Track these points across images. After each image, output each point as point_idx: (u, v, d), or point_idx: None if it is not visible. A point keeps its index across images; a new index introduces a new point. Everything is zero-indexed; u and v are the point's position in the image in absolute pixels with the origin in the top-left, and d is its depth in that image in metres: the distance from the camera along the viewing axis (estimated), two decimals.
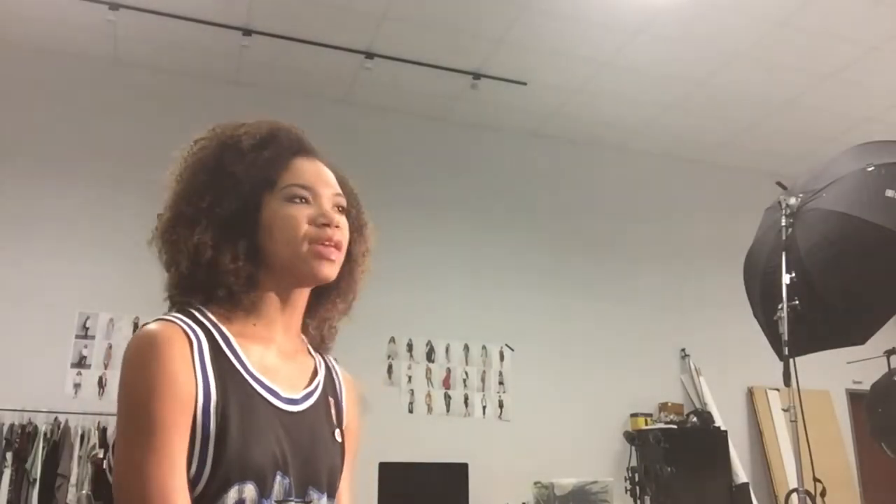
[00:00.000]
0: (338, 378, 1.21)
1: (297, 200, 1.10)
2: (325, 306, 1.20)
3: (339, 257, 1.11)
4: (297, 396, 1.08)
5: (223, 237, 1.06)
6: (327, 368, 1.20)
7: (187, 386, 0.97)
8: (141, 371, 0.97)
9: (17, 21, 5.09)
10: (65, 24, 5.12)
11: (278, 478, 0.99)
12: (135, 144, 5.25)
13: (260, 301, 1.10)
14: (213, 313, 1.07)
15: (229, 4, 4.97)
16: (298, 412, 1.07)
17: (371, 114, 6.02)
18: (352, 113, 5.96)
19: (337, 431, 1.14)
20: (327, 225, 1.09)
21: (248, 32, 5.17)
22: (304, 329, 1.20)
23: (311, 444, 1.07)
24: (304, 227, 1.08)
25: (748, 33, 5.12)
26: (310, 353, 1.19)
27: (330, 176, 1.16)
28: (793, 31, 5.06)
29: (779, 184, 3.11)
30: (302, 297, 1.14)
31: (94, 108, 5.38)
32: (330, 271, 1.10)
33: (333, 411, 1.15)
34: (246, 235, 1.08)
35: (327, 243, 1.08)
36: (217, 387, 0.99)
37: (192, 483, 0.95)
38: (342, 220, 1.13)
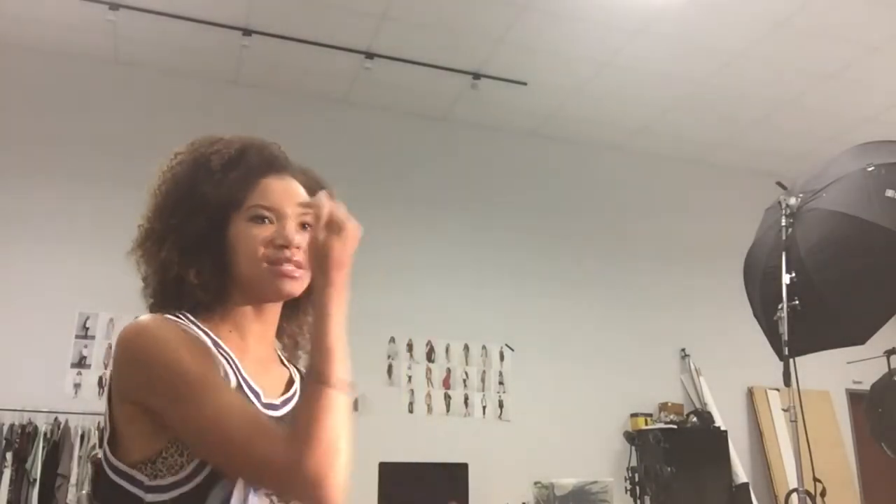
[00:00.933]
0: None
1: (260, 221, 1.11)
2: (298, 318, 1.23)
3: (302, 274, 1.12)
4: (277, 402, 1.11)
5: (188, 255, 1.09)
6: (301, 378, 1.22)
7: (212, 352, 1.03)
8: (161, 336, 1.00)
9: (17, 21, 5.09)
10: (65, 24, 5.12)
11: None
12: (135, 144, 5.24)
13: (233, 311, 1.13)
14: (196, 319, 1.10)
15: (229, 4, 4.97)
16: (277, 417, 1.09)
17: (371, 114, 6.02)
18: (352, 113, 5.96)
19: None
20: (285, 246, 1.10)
21: (248, 32, 5.17)
22: (280, 338, 1.23)
23: None
24: (262, 249, 1.10)
25: (748, 33, 5.12)
26: (283, 363, 1.22)
27: (299, 193, 1.16)
28: (793, 31, 5.06)
29: (779, 184, 3.11)
30: (273, 309, 1.17)
31: (94, 108, 5.38)
32: (292, 288, 1.12)
33: None
34: (211, 253, 1.10)
35: (286, 263, 1.10)
36: (233, 372, 1.04)
37: (196, 471, 0.97)
38: (303, 239, 1.11)
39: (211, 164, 1.13)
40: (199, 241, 1.10)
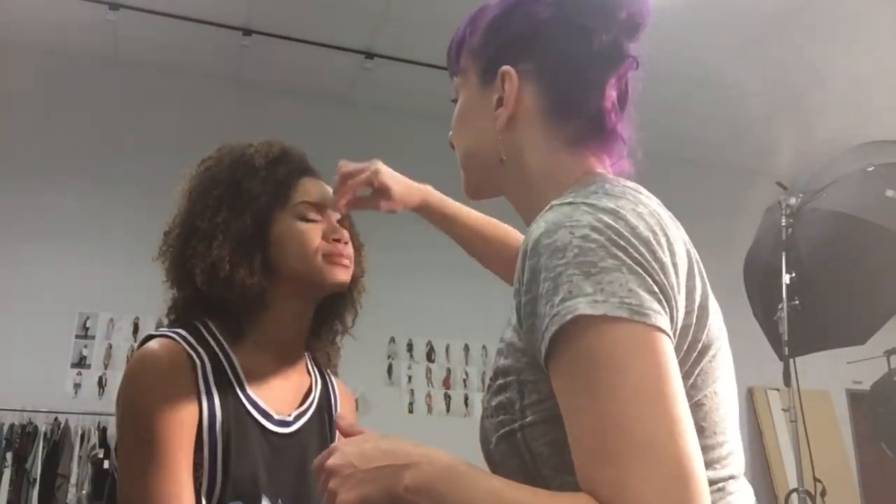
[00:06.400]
0: (334, 393, 1.22)
1: (309, 217, 1.13)
2: (327, 327, 1.23)
3: (351, 266, 1.15)
4: (290, 418, 1.10)
5: (239, 252, 1.08)
6: (324, 384, 1.22)
7: (188, 405, 1.00)
8: (142, 391, 1.00)
9: (17, 21, 5.09)
10: (65, 24, 5.12)
11: (265, 501, 1.01)
12: (134, 144, 5.25)
13: (266, 318, 1.12)
14: (218, 330, 1.08)
15: (229, 4, 4.97)
16: (289, 433, 1.09)
17: (371, 114, 6.02)
18: (352, 113, 5.96)
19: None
20: (338, 240, 1.13)
21: (248, 32, 5.17)
22: (311, 350, 1.22)
23: (301, 464, 1.08)
24: (318, 242, 1.11)
25: (748, 33, 5.12)
26: (308, 370, 1.21)
27: (332, 194, 1.19)
28: (793, 30, 5.06)
29: (779, 184, 3.11)
30: (306, 315, 1.16)
31: (94, 108, 5.38)
32: (344, 277, 1.13)
33: (328, 427, 1.17)
34: (260, 250, 1.10)
35: (341, 256, 1.13)
36: (221, 408, 1.02)
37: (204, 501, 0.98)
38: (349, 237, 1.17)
39: (254, 161, 1.14)
40: (247, 238, 1.09)
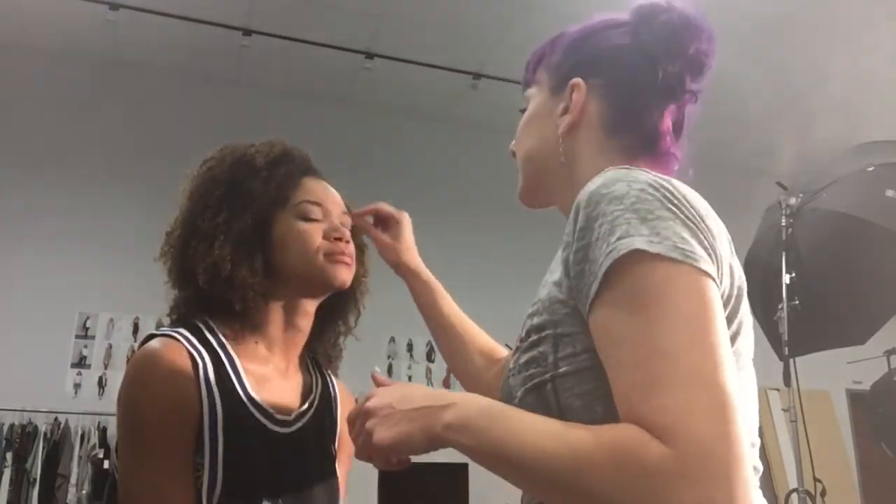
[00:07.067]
0: (334, 393, 1.22)
1: (310, 216, 1.13)
2: (329, 328, 1.23)
3: (353, 265, 1.15)
4: (290, 417, 1.10)
5: (240, 252, 1.08)
6: (325, 384, 1.22)
7: (189, 405, 0.99)
8: (143, 390, 1.00)
9: (16, 21, 5.09)
10: (65, 24, 5.12)
11: (265, 502, 1.01)
12: (135, 144, 5.25)
13: (267, 319, 1.12)
14: (219, 329, 1.08)
15: (229, 4, 4.97)
16: (290, 433, 1.09)
17: (371, 114, 6.02)
18: (352, 113, 5.96)
19: (333, 447, 1.16)
20: (339, 239, 1.13)
21: (248, 32, 5.17)
22: (313, 350, 1.22)
23: (303, 464, 1.09)
24: (319, 241, 1.11)
25: (748, 33, 5.12)
26: (309, 370, 1.21)
27: (337, 196, 1.20)
28: (793, 31, 5.06)
29: (779, 184, 3.11)
30: (307, 316, 1.16)
31: (94, 108, 5.38)
32: (346, 276, 1.13)
33: (329, 427, 1.17)
34: (261, 250, 1.10)
35: (342, 255, 1.12)
36: (222, 407, 1.01)
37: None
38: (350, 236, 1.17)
39: (255, 162, 1.14)
40: (248, 238, 1.09)
